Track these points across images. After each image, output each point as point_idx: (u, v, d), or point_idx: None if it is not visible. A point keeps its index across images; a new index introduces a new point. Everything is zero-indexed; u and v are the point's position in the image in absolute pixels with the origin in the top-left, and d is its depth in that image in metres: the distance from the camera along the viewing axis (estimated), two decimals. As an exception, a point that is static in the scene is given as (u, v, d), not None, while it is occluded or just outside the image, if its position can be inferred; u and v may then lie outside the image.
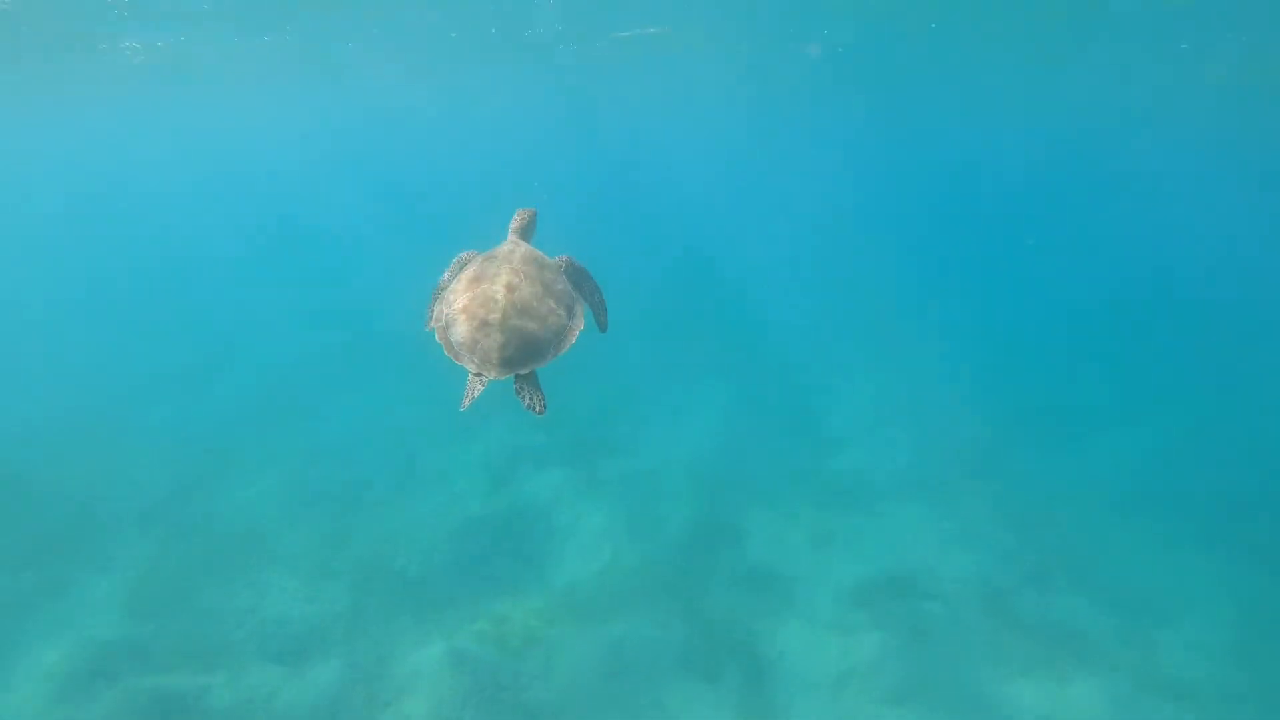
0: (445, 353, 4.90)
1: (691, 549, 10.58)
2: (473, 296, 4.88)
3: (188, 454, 13.00)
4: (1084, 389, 15.61)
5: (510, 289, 4.86)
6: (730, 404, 15.06)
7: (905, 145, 53.10)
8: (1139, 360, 17.39)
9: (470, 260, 5.41)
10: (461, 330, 4.80)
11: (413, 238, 26.96)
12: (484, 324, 4.75)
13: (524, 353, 4.77)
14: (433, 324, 5.10)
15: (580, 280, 5.58)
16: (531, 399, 4.90)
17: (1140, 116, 32.11)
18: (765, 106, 36.12)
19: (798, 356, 17.47)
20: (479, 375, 4.80)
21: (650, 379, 16.32)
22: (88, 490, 11.90)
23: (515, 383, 4.90)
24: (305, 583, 10.10)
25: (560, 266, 5.48)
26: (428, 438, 13.62)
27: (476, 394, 4.82)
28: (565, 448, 13.20)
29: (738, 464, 12.83)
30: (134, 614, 9.58)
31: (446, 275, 5.52)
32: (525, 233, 5.69)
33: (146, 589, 9.98)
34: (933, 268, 28.45)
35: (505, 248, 5.34)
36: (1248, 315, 22.82)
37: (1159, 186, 47.12)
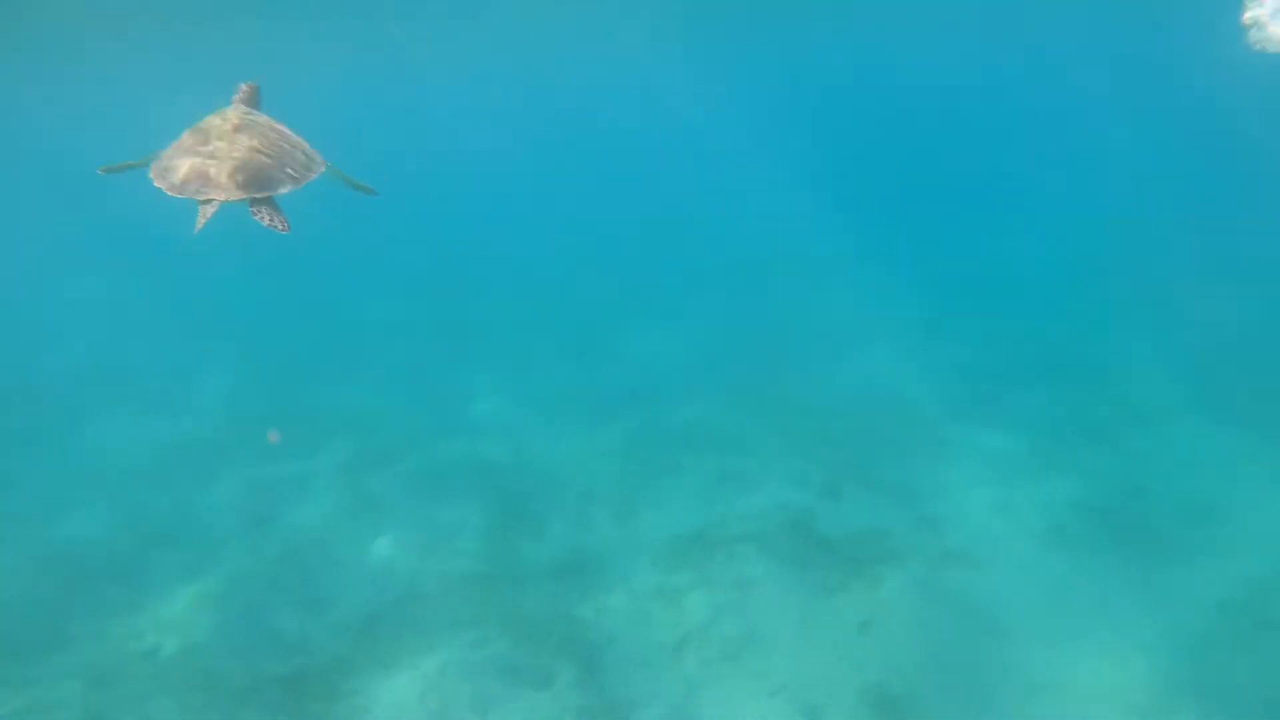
0: (169, 193, 4.77)
1: (492, 551, 9.82)
2: (197, 139, 4.88)
3: None
4: (831, 311, 16.51)
5: (237, 129, 4.90)
6: (499, 372, 14.30)
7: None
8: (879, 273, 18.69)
9: None
10: (185, 167, 4.74)
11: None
12: (211, 155, 4.76)
13: (257, 178, 4.76)
14: (151, 173, 4.90)
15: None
16: (273, 219, 4.80)
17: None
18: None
19: (563, 303, 17.12)
20: (209, 201, 4.69)
21: (402, 354, 15.21)
22: None
23: (251, 205, 4.81)
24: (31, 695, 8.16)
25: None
26: (155, 482, 11.67)
27: (209, 216, 4.71)
28: (327, 465, 11.83)
29: (517, 443, 12.18)
30: None
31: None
32: (251, 105, 5.55)
33: None
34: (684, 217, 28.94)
35: (228, 109, 5.29)
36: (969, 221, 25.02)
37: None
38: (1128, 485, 10.22)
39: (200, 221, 4.71)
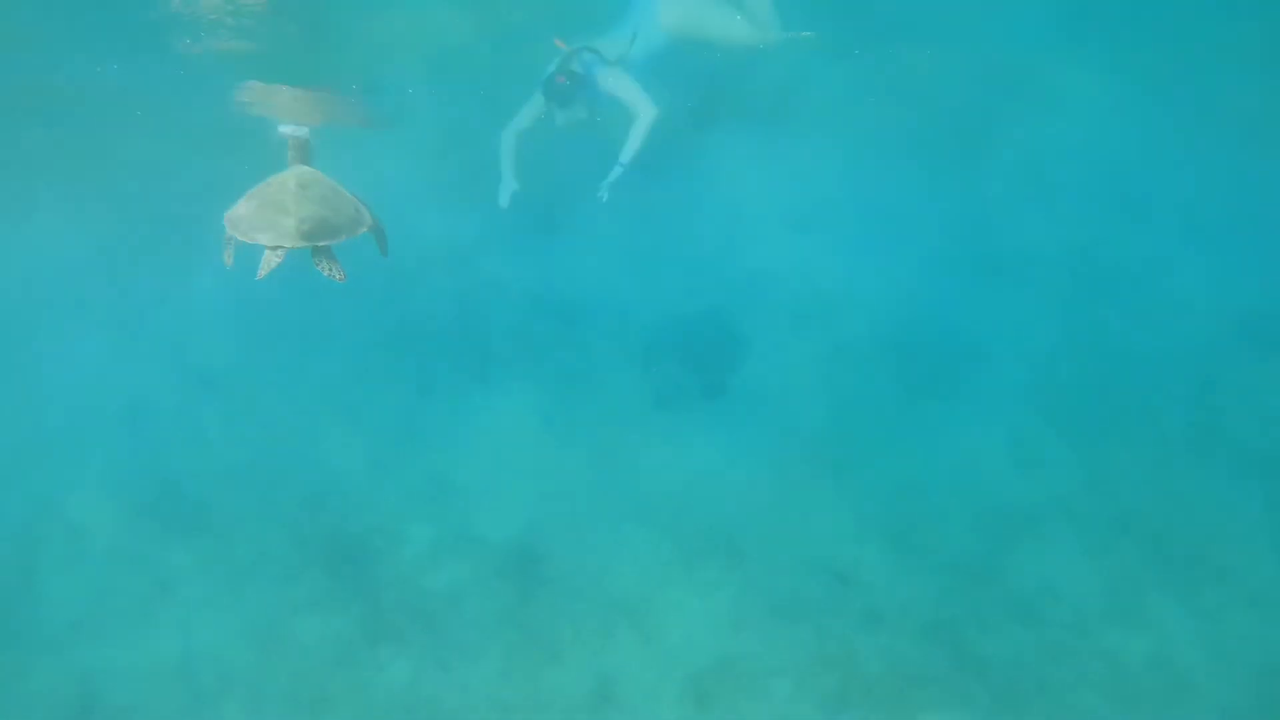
0: (238, 240, 5.27)
1: (508, 675, 9.37)
2: (265, 197, 5.32)
3: None
4: (867, 414, 15.67)
5: (302, 185, 5.36)
6: (511, 472, 13.37)
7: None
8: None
9: None
10: (253, 219, 5.21)
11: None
12: (279, 207, 5.22)
13: (320, 228, 5.25)
14: (225, 221, 5.34)
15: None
16: (331, 269, 5.36)
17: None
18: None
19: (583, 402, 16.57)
20: (276, 249, 5.17)
21: (415, 467, 14.55)
22: None
23: (313, 255, 5.34)
24: None
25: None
26: (169, 596, 11.25)
27: (274, 264, 5.19)
28: (343, 580, 11.34)
29: (538, 552, 11.42)
30: None
31: None
32: (305, 159, 5.98)
33: None
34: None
35: (287, 170, 5.75)
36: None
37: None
38: (1207, 650, 8.95)
39: (264, 269, 5.20)
